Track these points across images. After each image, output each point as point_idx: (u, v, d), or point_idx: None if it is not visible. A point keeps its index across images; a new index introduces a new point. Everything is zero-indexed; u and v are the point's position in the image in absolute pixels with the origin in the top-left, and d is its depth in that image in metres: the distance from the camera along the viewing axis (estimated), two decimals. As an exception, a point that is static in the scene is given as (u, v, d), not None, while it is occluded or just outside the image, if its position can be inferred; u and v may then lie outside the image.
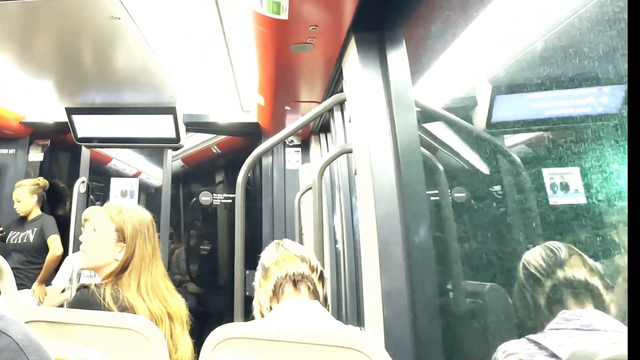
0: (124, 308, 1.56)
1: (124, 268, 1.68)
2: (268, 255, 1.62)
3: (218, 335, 1.33)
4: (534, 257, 1.41)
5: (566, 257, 1.35)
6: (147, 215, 1.81)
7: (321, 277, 1.57)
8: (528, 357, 1.24)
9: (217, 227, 5.48)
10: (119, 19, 2.46)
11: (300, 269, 1.53)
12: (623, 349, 1.07)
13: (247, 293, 3.61)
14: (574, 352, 1.11)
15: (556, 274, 1.34)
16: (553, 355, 1.20)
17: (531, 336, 1.29)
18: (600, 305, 1.30)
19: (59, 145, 5.12)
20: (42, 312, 1.45)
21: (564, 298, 1.32)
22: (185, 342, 1.68)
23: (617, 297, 1.33)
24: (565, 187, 2.01)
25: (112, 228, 1.73)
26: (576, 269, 1.33)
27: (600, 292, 1.31)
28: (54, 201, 4.68)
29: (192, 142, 5.42)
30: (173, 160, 5.21)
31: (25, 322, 1.41)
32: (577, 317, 1.26)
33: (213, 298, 5.10)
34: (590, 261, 1.35)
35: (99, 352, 1.17)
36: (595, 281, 1.32)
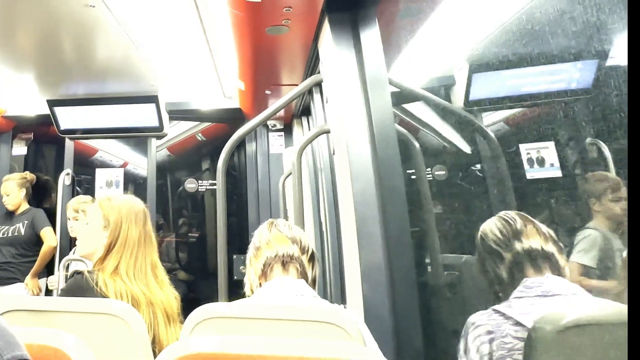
0: (101, 290, 1.58)
1: (107, 252, 1.71)
2: (260, 234, 1.63)
3: (197, 316, 1.34)
4: (490, 229, 1.44)
5: (522, 227, 1.38)
6: (137, 204, 1.83)
7: (311, 259, 1.58)
8: (495, 328, 1.27)
9: (205, 214, 5.49)
10: (94, 7, 2.44)
11: (290, 251, 1.54)
12: (584, 311, 1.10)
13: (235, 277, 3.64)
14: (538, 319, 1.13)
15: (514, 244, 1.37)
16: (518, 323, 1.23)
17: (496, 306, 1.32)
18: (557, 270, 1.34)
19: (43, 138, 5.08)
20: (21, 301, 1.46)
21: (524, 266, 1.35)
22: (171, 334, 1.69)
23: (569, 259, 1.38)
24: (541, 161, 2.04)
25: (100, 216, 1.77)
26: (532, 238, 1.36)
27: (556, 257, 1.34)
28: (40, 194, 4.65)
29: (177, 130, 5.40)
30: (159, 150, 5.20)
31: (4, 312, 1.42)
32: (538, 284, 1.29)
33: (202, 284, 5.13)
34: (544, 228, 1.39)
35: (77, 337, 1.17)
36: (550, 247, 1.35)
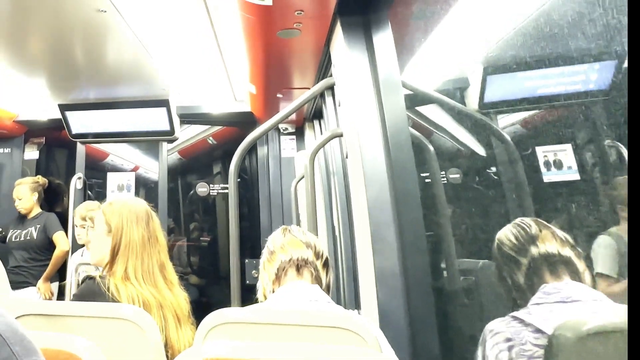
0: (112, 295, 1.59)
1: (113, 256, 1.71)
2: (274, 239, 1.62)
3: (210, 321, 1.33)
4: (506, 235, 1.43)
5: (537, 232, 1.36)
6: (140, 205, 1.83)
7: (326, 264, 1.57)
8: (514, 335, 1.25)
9: (217, 218, 5.49)
10: (105, 12, 2.45)
11: (304, 255, 1.53)
12: (606, 318, 1.08)
13: (247, 282, 3.64)
14: (558, 325, 1.11)
15: (530, 250, 1.35)
16: (538, 330, 1.21)
17: (515, 313, 1.29)
18: (576, 275, 1.31)
19: (55, 143, 5.11)
20: (35, 306, 1.46)
21: (541, 272, 1.33)
22: (182, 337, 1.69)
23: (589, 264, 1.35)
24: (558, 164, 2.01)
25: (103, 221, 1.78)
26: (548, 243, 1.34)
27: (574, 262, 1.32)
28: (51, 198, 4.68)
29: (188, 134, 5.41)
30: (170, 154, 5.22)
31: (19, 316, 1.43)
32: (557, 290, 1.27)
33: (214, 288, 5.13)
34: (560, 233, 1.36)
35: (90, 342, 1.17)
36: (567, 252, 1.33)
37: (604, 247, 1.70)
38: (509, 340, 1.25)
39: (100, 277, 1.66)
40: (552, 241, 1.34)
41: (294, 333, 1.28)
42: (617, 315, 1.12)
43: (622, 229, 1.69)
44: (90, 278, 1.68)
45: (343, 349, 1.08)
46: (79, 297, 1.66)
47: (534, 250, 1.34)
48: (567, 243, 1.34)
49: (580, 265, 1.33)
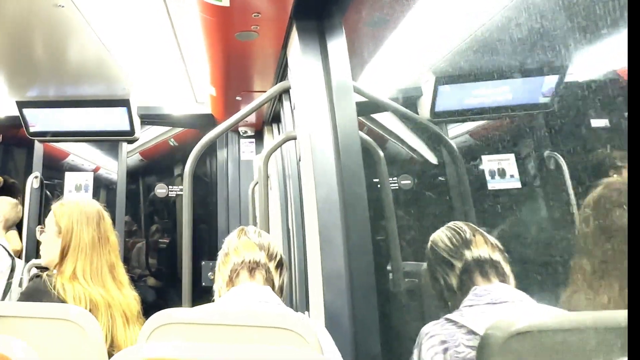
0: (59, 294, 1.58)
1: (62, 257, 1.71)
2: (230, 241, 1.64)
3: (155, 321, 1.33)
4: (440, 238, 1.48)
5: (471, 237, 1.42)
6: (91, 206, 1.84)
7: (279, 266, 1.59)
8: (448, 337, 1.29)
9: (176, 220, 5.45)
10: (63, 7, 2.41)
11: (257, 257, 1.55)
12: (533, 318, 1.13)
13: (204, 284, 3.62)
14: (489, 326, 1.15)
15: (464, 253, 1.40)
16: (471, 332, 1.25)
17: (449, 315, 1.34)
18: (503, 277, 1.37)
19: (12, 140, 4.99)
20: (-26, 305, 1.44)
21: (473, 275, 1.38)
22: (130, 336, 1.69)
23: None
24: (502, 173, 2.08)
25: (54, 222, 1.78)
26: (481, 247, 1.40)
27: (502, 265, 1.38)
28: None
29: (149, 135, 5.35)
30: (131, 155, 5.15)
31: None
32: (487, 292, 1.32)
33: (172, 290, 5.08)
34: (490, 238, 1.42)
35: (27, 344, 1.16)
36: (497, 256, 1.39)
37: None
38: (443, 342, 1.29)
39: (47, 275, 1.67)
40: (484, 246, 1.40)
41: (238, 334, 1.29)
42: (543, 315, 1.17)
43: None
44: (37, 276, 1.69)
45: (282, 350, 1.09)
46: (25, 295, 1.68)
47: (467, 254, 1.40)
48: (496, 247, 1.40)
49: (507, 268, 1.39)
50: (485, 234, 1.44)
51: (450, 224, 1.49)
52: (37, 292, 1.62)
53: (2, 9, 2.41)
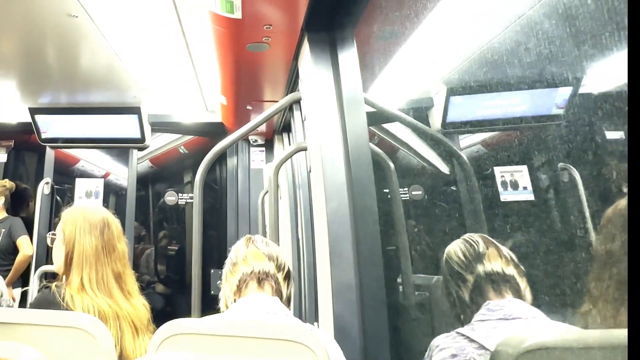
0: (67, 305, 1.57)
1: (67, 265, 1.69)
2: (237, 250, 1.62)
3: (165, 331, 1.33)
4: (454, 251, 1.46)
5: (484, 250, 1.40)
6: (96, 213, 1.78)
7: (287, 277, 1.57)
8: (459, 351, 1.28)
9: (185, 227, 5.46)
10: (77, 17, 2.45)
11: (266, 267, 1.53)
12: (545, 335, 1.12)
13: (212, 292, 3.62)
14: (500, 342, 1.14)
15: (477, 267, 1.39)
16: (482, 347, 1.24)
17: (460, 329, 1.33)
18: (517, 292, 1.36)
19: (24, 146, 5.04)
20: (-14, 313, 1.44)
21: (486, 289, 1.37)
22: (139, 346, 1.68)
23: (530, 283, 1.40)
24: (514, 184, 2.07)
25: (60, 229, 1.76)
26: (494, 261, 1.38)
27: (517, 280, 1.37)
28: (17, 203, 4.60)
29: (160, 142, 5.38)
30: (141, 162, 5.18)
31: (-31, 323, 1.40)
32: (500, 307, 1.31)
33: (180, 297, 5.09)
34: (505, 250, 1.41)
35: (39, 352, 1.17)
36: (511, 270, 1.37)
37: None
38: (454, 356, 1.28)
39: (56, 286, 1.64)
40: (497, 259, 1.39)
41: (247, 345, 1.29)
42: (555, 332, 1.16)
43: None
44: (46, 287, 1.65)
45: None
46: (34, 306, 1.65)
47: (480, 268, 1.38)
48: (511, 261, 1.39)
49: (522, 283, 1.37)
50: (500, 246, 1.42)
51: (465, 236, 1.47)
52: (46, 303, 1.59)
53: (16, 18, 2.45)
